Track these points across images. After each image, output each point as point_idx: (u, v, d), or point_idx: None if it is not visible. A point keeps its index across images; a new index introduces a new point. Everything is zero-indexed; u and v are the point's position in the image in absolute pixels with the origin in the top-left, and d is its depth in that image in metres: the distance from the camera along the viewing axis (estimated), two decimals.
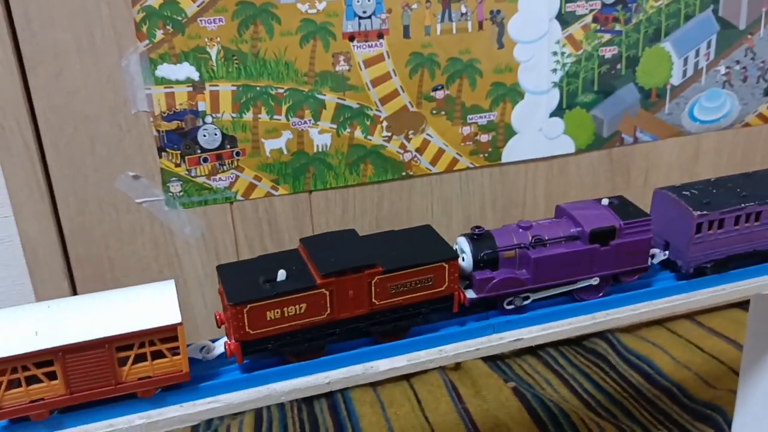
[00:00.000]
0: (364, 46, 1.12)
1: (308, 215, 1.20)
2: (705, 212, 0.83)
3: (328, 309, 0.71)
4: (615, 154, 1.33)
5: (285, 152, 1.14)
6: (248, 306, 0.68)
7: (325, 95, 1.13)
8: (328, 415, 1.29)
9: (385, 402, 1.31)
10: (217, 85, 1.08)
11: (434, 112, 1.20)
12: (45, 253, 1.08)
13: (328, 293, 0.70)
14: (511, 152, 1.26)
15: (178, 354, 0.66)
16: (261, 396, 0.75)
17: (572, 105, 1.27)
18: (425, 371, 1.37)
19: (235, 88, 1.09)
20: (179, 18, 1.03)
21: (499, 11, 1.17)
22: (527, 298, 0.81)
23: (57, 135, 1.04)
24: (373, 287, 0.72)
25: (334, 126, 1.15)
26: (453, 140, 1.22)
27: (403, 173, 1.22)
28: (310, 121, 1.14)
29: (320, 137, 1.15)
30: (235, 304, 0.67)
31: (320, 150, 1.16)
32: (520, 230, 0.80)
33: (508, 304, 0.80)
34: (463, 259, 0.78)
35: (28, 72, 1.00)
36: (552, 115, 1.26)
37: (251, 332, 0.69)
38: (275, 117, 1.12)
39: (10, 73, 0.99)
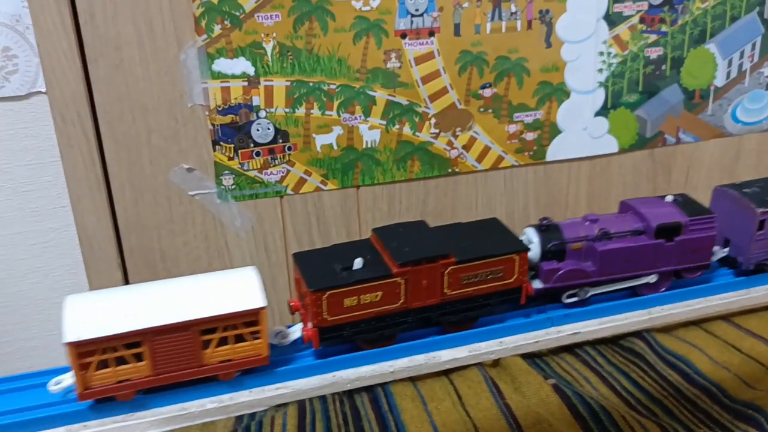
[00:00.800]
0: (416, 44, 1.14)
1: (355, 210, 1.21)
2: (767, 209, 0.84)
3: (402, 297, 0.72)
4: (657, 155, 1.34)
5: (335, 147, 1.16)
6: (327, 293, 0.69)
7: (375, 92, 1.15)
8: (369, 408, 1.30)
9: (426, 397, 1.33)
10: (271, 80, 1.10)
11: (482, 109, 1.21)
12: (100, 243, 1.10)
13: (403, 282, 0.72)
14: (555, 151, 1.27)
15: (259, 338, 0.67)
16: (327, 383, 0.76)
17: (617, 105, 1.27)
18: (464, 367, 1.38)
19: (288, 83, 1.10)
20: (237, 13, 1.05)
21: (548, 11, 1.18)
22: (586, 291, 0.82)
23: (115, 126, 1.06)
24: (446, 277, 0.73)
25: (384, 122, 1.17)
26: (499, 138, 1.23)
27: (449, 170, 1.23)
28: (360, 117, 1.15)
29: (370, 133, 1.17)
30: (315, 291, 0.69)
31: (369, 146, 1.18)
32: (587, 223, 0.81)
33: (570, 296, 0.82)
34: (530, 250, 0.80)
35: (89, 63, 1.02)
36: (597, 114, 1.27)
37: (329, 318, 0.70)
38: (327, 113, 1.14)
39: (73, 64, 1.01)
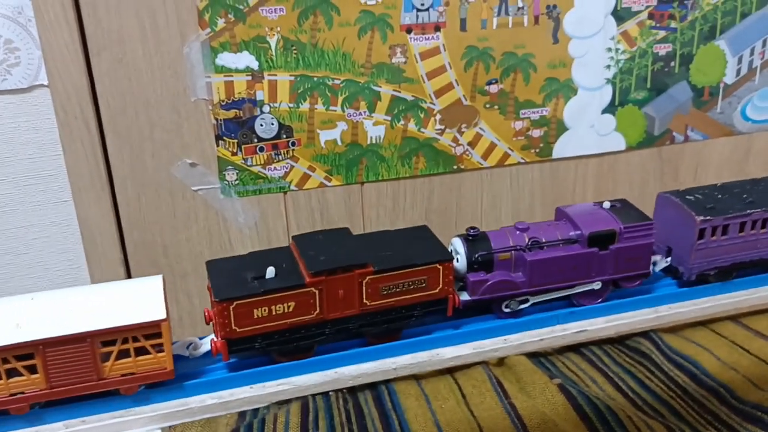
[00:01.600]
0: (421, 39, 1.12)
1: (359, 207, 1.20)
2: (708, 217, 0.80)
3: (317, 308, 0.69)
4: (665, 153, 1.32)
5: (339, 143, 1.15)
6: (235, 303, 0.66)
7: (380, 87, 1.13)
8: (373, 406, 1.29)
9: (430, 395, 1.31)
10: (275, 75, 1.09)
11: (487, 106, 1.20)
12: (102, 237, 1.09)
13: (317, 292, 0.68)
14: (562, 148, 1.26)
15: (163, 351, 0.64)
16: (329, 380, 0.75)
17: (624, 102, 1.26)
18: (468, 366, 1.37)
19: (293, 78, 1.09)
20: (241, 7, 1.04)
21: (555, 6, 1.17)
22: (525, 301, 0.79)
23: (117, 120, 1.05)
24: (364, 287, 0.69)
25: (389, 118, 1.16)
26: (505, 135, 1.22)
27: (455, 167, 1.22)
28: (365, 112, 1.14)
29: (374, 129, 1.16)
30: (221, 301, 0.65)
31: (374, 142, 1.16)
32: (517, 232, 0.77)
33: (506, 307, 0.79)
34: (458, 261, 0.77)
35: (92, 56, 1.01)
36: (604, 111, 1.26)
37: (237, 330, 0.66)
38: (331, 108, 1.13)
39: (76, 57, 1.00)
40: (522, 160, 1.25)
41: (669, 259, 0.85)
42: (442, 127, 1.19)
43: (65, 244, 1.10)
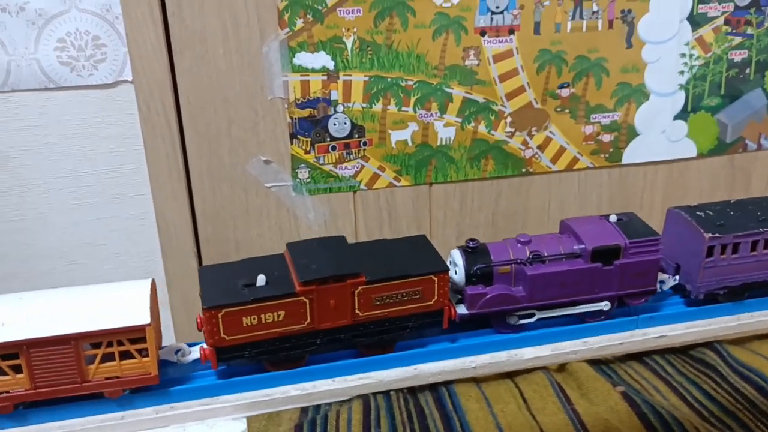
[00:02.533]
0: (495, 41, 1.13)
1: (427, 207, 1.21)
2: (717, 234, 0.77)
3: (308, 318, 0.68)
4: (737, 160, 1.30)
5: (410, 144, 1.16)
6: (223, 310, 0.65)
7: (453, 89, 1.14)
8: (434, 407, 1.29)
9: (491, 399, 1.31)
10: (350, 75, 1.10)
11: (558, 109, 1.19)
12: (177, 231, 1.12)
13: (307, 301, 0.67)
14: (632, 153, 1.25)
15: (147, 356, 0.64)
16: (409, 375, 0.76)
17: (697, 108, 1.24)
18: (529, 371, 1.37)
19: (367, 78, 1.11)
20: (320, 7, 1.05)
21: (630, 11, 1.16)
22: (531, 315, 0.77)
23: (197, 117, 1.07)
24: (356, 297, 0.68)
25: (459, 120, 1.16)
26: (575, 139, 1.22)
27: (523, 170, 1.22)
28: (436, 113, 1.15)
29: (445, 130, 1.16)
30: (209, 308, 0.65)
31: (444, 143, 1.17)
32: (519, 245, 0.75)
33: (506, 322, 0.78)
34: (456, 273, 0.75)
35: (174, 54, 1.04)
36: (676, 117, 1.24)
37: (226, 338, 0.66)
38: (403, 108, 1.14)
39: (160, 54, 1.03)
40: (591, 165, 1.24)
41: (677, 277, 0.82)
42: (513, 129, 1.19)
43: (142, 236, 1.13)
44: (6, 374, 0.63)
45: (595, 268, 0.75)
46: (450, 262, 0.76)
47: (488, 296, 0.74)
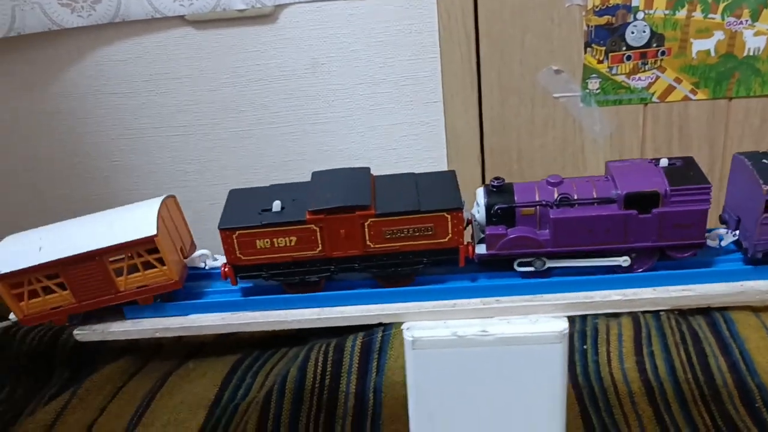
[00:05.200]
0: None
1: (723, 124, 1.13)
2: None
3: (320, 245, 0.70)
4: None
5: (712, 54, 1.08)
6: (237, 232, 0.69)
7: None
8: (708, 332, 1.25)
9: None
10: None
11: None
12: (465, 139, 1.15)
13: (318, 229, 0.69)
14: None
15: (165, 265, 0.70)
16: (736, 291, 0.73)
17: None
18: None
19: None
20: None
21: None
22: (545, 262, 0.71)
23: (492, 25, 1.08)
24: (366, 229, 0.69)
25: None
26: None
27: None
28: (746, 21, 1.06)
29: (754, 40, 1.07)
30: (223, 229, 0.68)
31: (751, 54, 1.08)
32: (548, 186, 0.69)
33: (522, 264, 0.71)
34: (479, 212, 0.71)
35: None
36: None
37: (242, 258, 0.70)
38: (709, 16, 1.06)
39: None
40: None
41: (737, 232, 0.73)
42: None
43: (430, 142, 1.18)
44: (55, 292, 0.73)
45: (628, 216, 0.69)
46: (476, 201, 0.73)
47: (507, 238, 0.70)
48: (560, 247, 0.70)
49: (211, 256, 0.77)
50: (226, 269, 0.71)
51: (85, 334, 0.74)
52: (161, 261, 0.71)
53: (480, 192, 0.71)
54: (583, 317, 1.31)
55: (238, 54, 1.13)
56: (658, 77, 1.10)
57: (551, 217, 0.69)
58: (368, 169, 0.74)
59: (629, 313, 1.31)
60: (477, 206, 0.72)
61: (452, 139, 1.15)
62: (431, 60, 1.11)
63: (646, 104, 1.12)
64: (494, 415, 0.75)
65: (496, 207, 0.70)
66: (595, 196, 0.69)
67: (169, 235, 0.73)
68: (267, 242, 0.69)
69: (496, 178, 0.70)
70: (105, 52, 1.14)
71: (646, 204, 0.68)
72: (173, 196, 0.76)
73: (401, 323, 0.74)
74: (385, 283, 0.74)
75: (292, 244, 0.70)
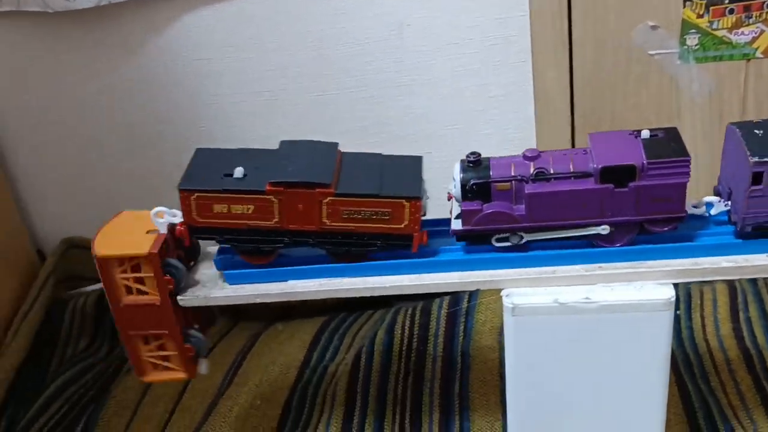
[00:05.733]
0: None
1: None
2: (766, 160, 0.65)
3: (276, 217, 0.70)
4: None
5: None
6: (195, 194, 0.69)
7: None
8: None
9: None
10: None
11: None
12: (554, 99, 1.12)
13: (276, 201, 0.69)
14: None
15: None
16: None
17: None
18: None
19: None
20: None
21: None
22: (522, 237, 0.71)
23: None
24: (324, 207, 0.69)
25: None
26: None
27: None
28: None
29: None
30: (182, 190, 0.69)
31: None
32: (525, 161, 0.69)
33: (500, 240, 0.71)
34: (454, 188, 0.71)
35: None
36: None
37: (198, 220, 0.70)
38: None
39: None
40: None
41: (729, 203, 0.71)
42: None
43: (518, 104, 1.15)
44: None
45: (604, 190, 0.67)
46: (453, 177, 0.73)
47: (483, 213, 0.70)
48: (536, 222, 0.70)
49: (169, 213, 0.75)
50: (182, 228, 0.72)
51: (187, 299, 0.75)
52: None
53: (456, 167, 0.71)
54: (688, 284, 1.28)
55: (322, 17, 1.12)
56: (762, 31, 1.04)
57: (526, 192, 0.69)
58: (336, 144, 0.74)
59: (725, 280, 1.27)
60: (453, 181, 0.73)
61: (541, 99, 1.12)
62: (520, 18, 1.08)
63: (748, 60, 1.07)
64: (594, 384, 0.74)
65: (471, 182, 0.70)
66: (572, 170, 0.69)
67: None
68: (224, 208, 0.70)
69: (472, 153, 0.71)
70: (191, 19, 1.15)
71: (623, 177, 0.68)
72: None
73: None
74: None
75: (249, 212, 0.70)
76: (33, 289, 1.28)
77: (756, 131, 0.69)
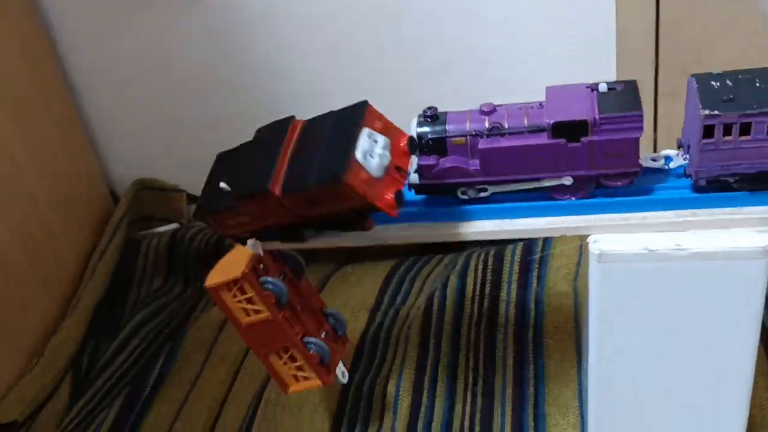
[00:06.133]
0: None
1: None
2: (717, 113, 0.64)
3: (269, 218, 0.70)
4: None
5: None
6: (210, 217, 0.73)
7: None
8: None
9: None
10: None
11: None
12: (638, 42, 1.07)
13: (251, 212, 0.69)
14: None
15: None
16: None
17: None
18: None
19: None
20: None
21: None
22: (483, 190, 0.71)
23: None
24: (288, 205, 0.67)
25: None
26: None
27: None
28: None
29: None
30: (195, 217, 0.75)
31: None
32: (480, 115, 0.69)
33: (462, 194, 0.72)
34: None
35: None
36: None
37: (227, 232, 0.75)
38: None
39: None
40: None
41: (687, 156, 0.71)
42: None
43: (599, 45, 1.11)
44: None
45: (557, 145, 0.67)
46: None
47: (438, 168, 0.71)
48: (490, 176, 0.71)
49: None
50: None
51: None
52: None
53: (413, 122, 0.72)
54: None
55: None
56: None
57: (479, 147, 0.70)
58: (286, 127, 0.69)
59: None
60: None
61: (623, 42, 1.08)
62: None
63: None
64: (682, 334, 0.72)
65: (428, 137, 0.71)
66: (526, 125, 0.69)
67: None
68: (233, 221, 0.72)
69: (429, 108, 0.71)
70: None
71: (575, 133, 0.67)
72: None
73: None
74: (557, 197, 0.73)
75: (249, 219, 0.71)
76: (108, 230, 1.31)
77: (713, 83, 0.68)
